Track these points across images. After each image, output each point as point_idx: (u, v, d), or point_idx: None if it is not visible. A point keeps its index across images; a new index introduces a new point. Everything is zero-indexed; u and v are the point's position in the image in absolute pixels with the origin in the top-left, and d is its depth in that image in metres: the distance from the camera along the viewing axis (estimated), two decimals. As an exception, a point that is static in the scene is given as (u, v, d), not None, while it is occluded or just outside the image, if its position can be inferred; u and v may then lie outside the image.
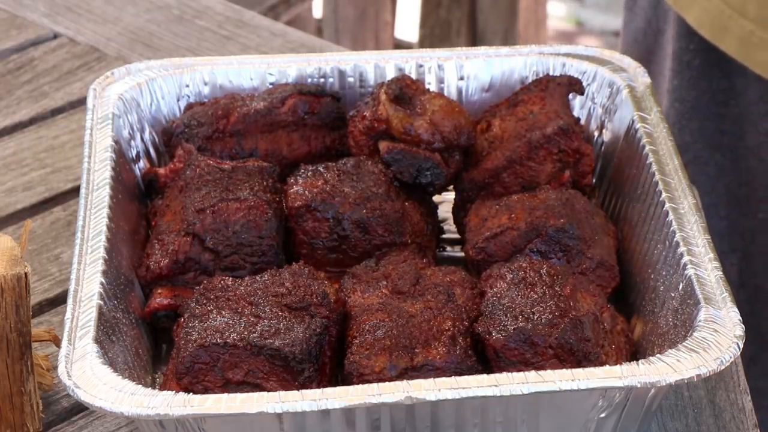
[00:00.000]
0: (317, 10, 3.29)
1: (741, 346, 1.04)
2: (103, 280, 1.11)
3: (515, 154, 1.26)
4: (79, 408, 1.18)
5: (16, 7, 1.78)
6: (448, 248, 1.33)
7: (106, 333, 1.08)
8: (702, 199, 1.58)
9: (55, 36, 1.73)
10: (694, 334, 1.05)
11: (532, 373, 1.01)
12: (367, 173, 1.25)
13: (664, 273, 1.15)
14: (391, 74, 1.37)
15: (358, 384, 1.02)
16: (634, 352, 1.16)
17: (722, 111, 1.60)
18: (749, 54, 1.50)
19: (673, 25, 1.63)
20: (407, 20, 3.63)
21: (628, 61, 1.37)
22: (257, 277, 1.14)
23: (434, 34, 3.20)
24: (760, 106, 1.55)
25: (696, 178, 1.63)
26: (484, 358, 1.09)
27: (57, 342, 1.18)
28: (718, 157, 1.61)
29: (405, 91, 1.28)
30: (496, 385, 1.00)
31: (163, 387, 1.09)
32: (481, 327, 1.09)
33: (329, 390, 1.00)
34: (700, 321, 1.06)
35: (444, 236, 1.33)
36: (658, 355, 1.04)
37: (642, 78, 1.34)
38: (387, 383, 1.01)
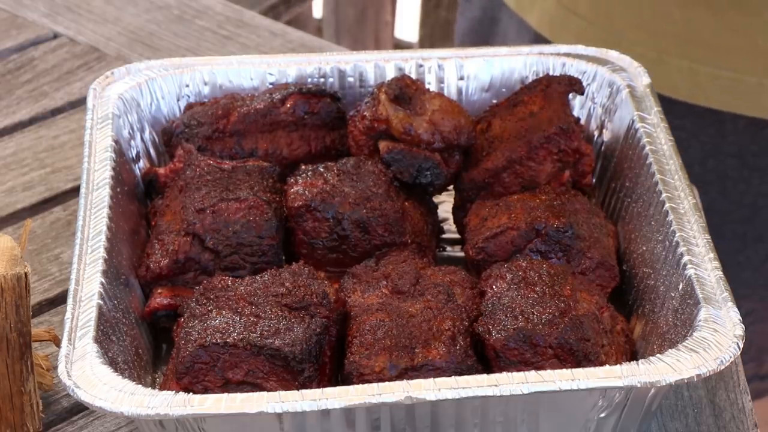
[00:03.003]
0: (317, 10, 3.29)
1: (741, 346, 1.04)
2: (103, 280, 1.11)
3: (515, 154, 1.26)
4: (79, 408, 1.18)
5: (16, 7, 1.78)
6: (448, 248, 1.33)
7: (106, 333, 1.08)
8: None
9: (55, 36, 1.73)
10: (694, 334, 1.05)
11: (532, 373, 1.01)
12: (367, 173, 1.25)
13: (664, 273, 1.15)
14: (391, 74, 1.37)
15: (358, 384, 1.02)
16: (634, 352, 1.16)
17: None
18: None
19: (510, 15, 1.69)
20: (407, 20, 3.62)
21: (628, 61, 1.37)
22: (257, 277, 1.14)
23: (434, 34, 3.20)
24: None
25: None
26: (484, 358, 1.09)
27: (57, 342, 1.18)
28: None
29: (405, 91, 1.28)
30: (496, 385, 1.00)
31: (163, 387, 1.09)
32: (481, 327, 1.09)
33: (329, 390, 1.00)
34: (700, 321, 1.06)
35: (444, 236, 1.33)
36: (658, 355, 1.04)
37: (642, 78, 1.34)
38: (387, 383, 1.01)
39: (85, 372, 1.03)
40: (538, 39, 1.64)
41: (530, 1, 1.65)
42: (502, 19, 1.73)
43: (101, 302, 1.09)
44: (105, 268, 1.12)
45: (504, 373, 1.01)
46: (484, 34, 1.77)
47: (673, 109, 1.51)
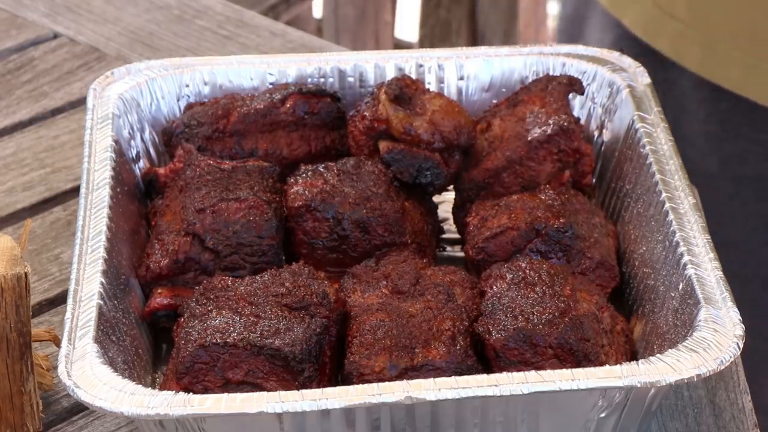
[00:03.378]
0: (317, 10, 3.28)
1: (741, 346, 1.04)
2: (103, 280, 1.11)
3: (515, 154, 1.26)
4: (79, 408, 1.18)
5: (16, 7, 1.78)
6: (448, 248, 1.33)
7: (106, 333, 1.08)
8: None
9: (55, 36, 1.73)
10: (694, 334, 1.05)
11: (532, 373, 1.01)
12: (367, 173, 1.25)
13: (664, 273, 1.15)
14: (391, 74, 1.37)
15: (358, 384, 1.02)
16: (634, 352, 1.16)
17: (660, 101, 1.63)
18: (681, 53, 1.55)
19: (602, 14, 1.66)
20: (407, 20, 3.62)
21: (628, 61, 1.37)
22: (257, 277, 1.14)
23: (434, 34, 3.20)
24: (694, 95, 1.57)
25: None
26: (484, 358, 1.09)
27: (57, 342, 1.18)
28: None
29: (405, 91, 1.28)
30: (496, 385, 1.00)
31: (163, 387, 1.09)
32: (481, 327, 1.09)
33: (329, 390, 1.00)
34: (700, 321, 1.06)
35: (444, 236, 1.33)
36: (658, 355, 1.04)
37: (642, 78, 1.34)
38: (387, 383, 1.01)
39: (85, 372, 1.03)
40: (633, 40, 1.61)
41: (625, 1, 1.62)
42: (593, 18, 1.71)
43: (101, 302, 1.09)
44: (105, 268, 1.12)
45: (504, 373, 1.01)
46: (577, 34, 1.75)
47: (765, 117, 1.50)
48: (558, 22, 1.85)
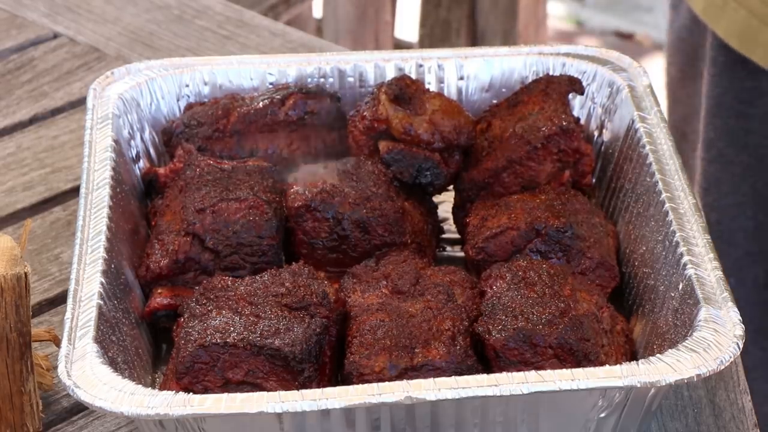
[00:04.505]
0: (317, 10, 3.28)
1: (741, 346, 1.04)
2: (103, 280, 1.11)
3: (515, 154, 1.26)
4: (79, 408, 1.18)
5: (16, 7, 1.78)
6: (448, 248, 1.33)
7: (106, 333, 1.08)
8: (727, 198, 1.57)
9: (55, 36, 1.73)
10: (694, 334, 1.05)
11: (532, 373, 1.01)
12: (367, 173, 1.25)
13: (664, 273, 1.15)
14: (391, 74, 1.37)
15: (358, 384, 1.02)
16: (634, 352, 1.16)
17: (747, 110, 1.60)
18: None
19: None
20: (407, 20, 3.62)
21: (628, 61, 1.37)
22: (257, 277, 1.14)
23: (434, 34, 3.20)
24: None
25: (721, 176, 1.63)
26: (484, 358, 1.09)
27: (57, 342, 1.18)
28: (744, 156, 1.61)
29: (405, 91, 1.28)
30: (496, 385, 1.00)
31: (163, 387, 1.09)
32: (481, 327, 1.09)
33: (329, 390, 1.00)
34: (700, 321, 1.06)
35: (444, 236, 1.33)
36: (658, 355, 1.04)
37: (642, 78, 1.34)
38: (387, 383, 1.01)
39: (85, 372, 1.03)
40: (724, 50, 1.59)
41: (719, 9, 1.59)
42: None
43: (101, 302, 1.09)
44: (105, 268, 1.12)
45: (504, 373, 1.01)
46: (693, 44, 1.72)
47: None
48: (669, 32, 1.80)
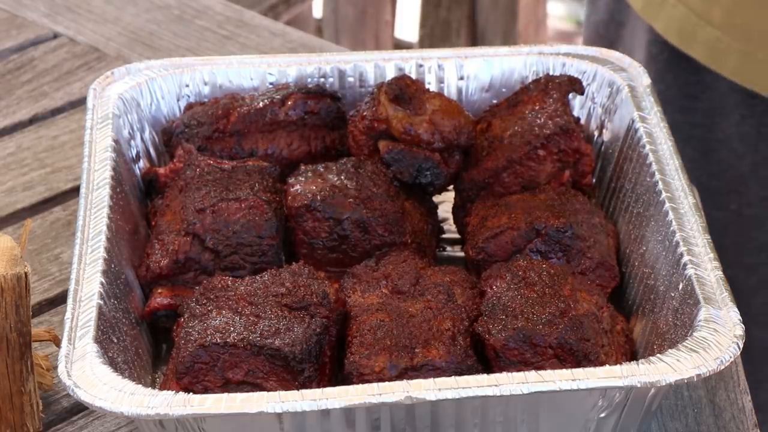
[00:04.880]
0: (317, 10, 3.28)
1: (741, 346, 1.04)
2: (103, 280, 1.11)
3: (515, 154, 1.26)
4: (79, 408, 1.18)
5: (16, 7, 1.78)
6: (448, 248, 1.33)
7: (106, 333, 1.08)
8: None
9: (55, 36, 1.73)
10: (694, 334, 1.05)
11: (532, 373, 1.01)
12: (367, 173, 1.25)
13: (664, 273, 1.15)
14: (391, 74, 1.37)
15: (358, 384, 1.02)
16: (634, 352, 1.16)
17: (691, 104, 1.61)
18: (717, 60, 1.52)
19: (637, 17, 1.65)
20: (407, 20, 3.62)
21: (628, 61, 1.37)
22: (257, 277, 1.14)
23: (434, 34, 3.20)
24: (729, 97, 1.57)
25: None
26: (484, 358, 1.09)
27: (57, 342, 1.18)
28: (688, 150, 1.62)
29: (405, 91, 1.28)
30: (496, 385, 1.00)
31: (163, 387, 1.09)
32: (481, 327, 1.09)
33: (329, 390, 1.00)
34: (700, 321, 1.06)
35: (444, 236, 1.33)
36: (658, 355, 1.04)
37: (642, 78, 1.34)
38: (387, 383, 1.01)
39: (85, 372, 1.03)
40: (664, 44, 1.60)
41: (658, 6, 1.60)
42: (629, 23, 1.70)
43: (101, 302, 1.09)
44: (105, 268, 1.12)
45: (504, 373, 1.01)
46: (609, 39, 1.73)
47: None
48: (585, 26, 1.82)
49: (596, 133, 1.36)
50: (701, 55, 1.54)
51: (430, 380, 1.00)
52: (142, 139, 1.34)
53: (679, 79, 1.61)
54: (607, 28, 1.73)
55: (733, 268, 1.64)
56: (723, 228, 1.64)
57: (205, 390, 1.07)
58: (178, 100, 1.36)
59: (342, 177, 1.24)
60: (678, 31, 1.56)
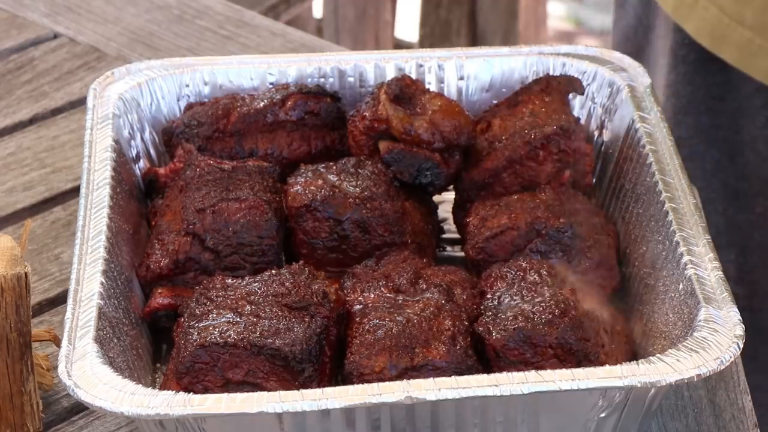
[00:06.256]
0: (317, 10, 3.29)
1: (741, 346, 1.04)
2: (103, 280, 1.11)
3: (515, 154, 1.26)
4: (79, 408, 1.18)
5: (16, 7, 1.78)
6: (448, 248, 1.33)
7: (106, 333, 1.08)
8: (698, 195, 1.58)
9: (55, 36, 1.73)
10: (694, 334, 1.05)
11: (532, 373, 1.01)
12: (367, 173, 1.25)
13: (664, 273, 1.15)
14: (391, 74, 1.37)
15: (358, 384, 1.02)
16: (634, 352, 1.16)
17: (718, 106, 1.60)
18: (749, 62, 1.51)
19: (665, 20, 1.64)
20: (407, 20, 3.63)
21: (628, 61, 1.37)
22: (257, 277, 1.14)
23: (434, 34, 3.20)
24: (756, 99, 1.56)
25: (693, 173, 1.63)
26: (484, 358, 1.09)
27: (57, 342, 1.18)
28: (714, 152, 1.62)
29: (405, 91, 1.28)
30: (496, 385, 1.00)
31: (163, 387, 1.09)
32: (481, 327, 1.09)
33: (329, 390, 1.00)
34: (700, 321, 1.06)
35: (444, 236, 1.33)
36: (658, 355, 1.04)
37: (642, 78, 1.34)
38: (387, 383, 1.01)
39: (85, 372, 1.03)
40: (694, 48, 1.59)
41: (689, 8, 1.58)
42: (657, 26, 1.68)
43: (101, 302, 1.09)
44: (105, 268, 1.12)
45: (504, 373, 1.01)
46: (638, 43, 1.73)
47: None
48: (614, 32, 1.80)
49: (596, 133, 1.35)
50: (732, 57, 1.54)
51: (430, 380, 1.00)
52: (142, 139, 1.34)
53: (707, 81, 1.60)
54: (636, 33, 1.72)
55: (758, 272, 1.64)
56: (749, 231, 1.63)
57: (205, 390, 1.07)
58: (178, 100, 1.36)
59: (342, 177, 1.24)
60: (710, 33, 1.55)
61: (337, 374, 1.11)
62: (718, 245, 1.61)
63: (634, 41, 1.73)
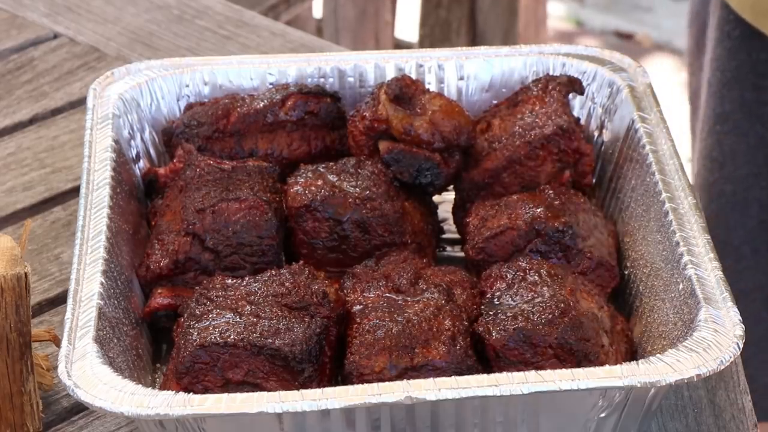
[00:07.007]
0: (317, 10, 3.28)
1: (741, 346, 1.04)
2: (103, 280, 1.11)
3: (515, 154, 1.26)
4: (79, 408, 1.18)
5: (16, 7, 1.78)
6: (448, 248, 1.33)
7: (106, 333, 1.08)
8: (743, 169, 1.57)
9: (55, 36, 1.73)
10: (694, 334, 1.05)
11: (532, 373, 1.01)
12: (367, 173, 1.25)
13: (664, 273, 1.15)
14: (391, 74, 1.37)
15: (358, 384, 1.02)
16: (634, 352, 1.16)
17: (762, 82, 1.61)
18: None
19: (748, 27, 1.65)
20: (407, 20, 3.62)
21: (628, 61, 1.37)
22: (257, 277, 1.14)
23: (434, 34, 3.20)
24: None
25: (736, 147, 1.63)
26: (484, 358, 1.09)
27: (57, 342, 1.18)
28: (758, 127, 1.62)
29: (405, 91, 1.28)
30: (496, 385, 1.00)
31: (163, 387, 1.09)
32: (481, 327, 1.09)
33: (329, 390, 1.00)
34: (700, 321, 1.06)
35: (444, 236, 1.33)
36: (658, 355, 1.04)
37: (642, 78, 1.34)
38: (387, 383, 1.01)
39: (85, 372, 1.03)
40: (739, 23, 1.59)
41: None
42: (712, 1, 1.70)
43: (101, 302, 1.09)
44: (105, 268, 1.12)
45: (504, 373, 1.01)
46: (704, 21, 1.74)
47: None
48: (689, 12, 1.83)
49: (596, 133, 1.36)
50: None
51: (430, 380, 1.00)
52: (142, 139, 1.34)
53: (752, 57, 1.61)
54: (704, 6, 1.74)
55: None
56: None
57: (205, 390, 1.07)
58: (178, 100, 1.36)
59: (342, 177, 1.24)
60: (752, 6, 1.56)
61: (337, 374, 1.11)
62: (763, 219, 1.62)
63: (701, 16, 1.74)
